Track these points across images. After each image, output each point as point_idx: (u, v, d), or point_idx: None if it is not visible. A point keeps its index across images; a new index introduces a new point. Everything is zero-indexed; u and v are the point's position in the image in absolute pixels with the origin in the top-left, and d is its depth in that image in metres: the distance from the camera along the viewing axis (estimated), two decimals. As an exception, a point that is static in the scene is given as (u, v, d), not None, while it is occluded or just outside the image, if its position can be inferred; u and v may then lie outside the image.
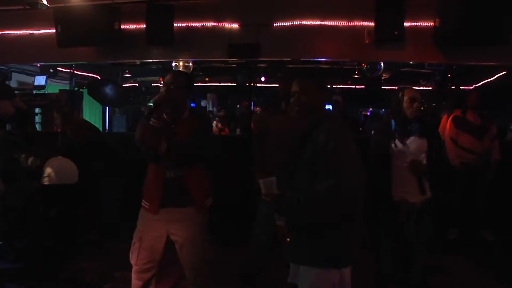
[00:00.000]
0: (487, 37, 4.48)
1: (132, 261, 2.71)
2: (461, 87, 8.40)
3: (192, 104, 13.38)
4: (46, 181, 3.76)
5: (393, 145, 3.11)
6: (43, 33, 5.61)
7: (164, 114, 2.62)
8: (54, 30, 5.19)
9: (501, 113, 7.33)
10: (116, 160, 4.48)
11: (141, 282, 2.73)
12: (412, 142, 3.09)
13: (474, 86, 8.61)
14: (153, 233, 2.68)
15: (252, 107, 8.64)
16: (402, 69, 8.97)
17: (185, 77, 2.72)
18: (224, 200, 4.64)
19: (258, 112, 4.43)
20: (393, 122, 3.21)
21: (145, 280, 2.73)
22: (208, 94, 13.03)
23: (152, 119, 2.47)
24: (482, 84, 8.72)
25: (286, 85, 3.92)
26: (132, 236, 2.74)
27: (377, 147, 3.27)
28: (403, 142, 3.08)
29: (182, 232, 2.67)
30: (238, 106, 12.11)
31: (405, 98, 3.13)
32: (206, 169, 2.81)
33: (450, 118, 4.95)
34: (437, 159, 3.15)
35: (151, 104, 2.56)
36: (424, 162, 3.09)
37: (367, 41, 5.02)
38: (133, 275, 2.74)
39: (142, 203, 2.74)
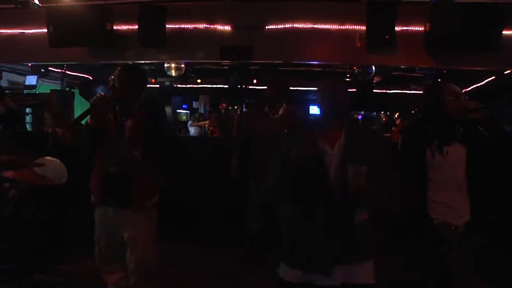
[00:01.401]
0: (476, 43, 4.57)
1: (96, 263, 2.71)
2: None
3: (183, 106, 13.36)
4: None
5: (430, 154, 2.44)
6: (34, 32, 5.56)
7: (116, 109, 2.60)
8: (46, 30, 5.15)
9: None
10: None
11: (111, 285, 2.71)
12: (453, 150, 2.46)
13: (464, 90, 8.69)
14: (106, 232, 2.63)
15: (243, 108, 8.65)
16: (393, 73, 9.06)
17: (131, 72, 2.61)
18: (220, 200, 4.68)
19: (244, 114, 4.51)
20: (428, 124, 2.53)
21: (114, 282, 2.69)
22: (200, 96, 13.04)
23: (89, 119, 2.44)
24: (472, 88, 8.83)
25: (275, 89, 3.99)
26: None
27: (413, 157, 2.51)
28: (442, 150, 2.44)
29: (128, 233, 2.57)
30: (220, 107, 12.05)
31: (448, 94, 2.46)
32: (156, 169, 2.68)
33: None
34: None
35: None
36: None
37: (359, 45, 5.07)
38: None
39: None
